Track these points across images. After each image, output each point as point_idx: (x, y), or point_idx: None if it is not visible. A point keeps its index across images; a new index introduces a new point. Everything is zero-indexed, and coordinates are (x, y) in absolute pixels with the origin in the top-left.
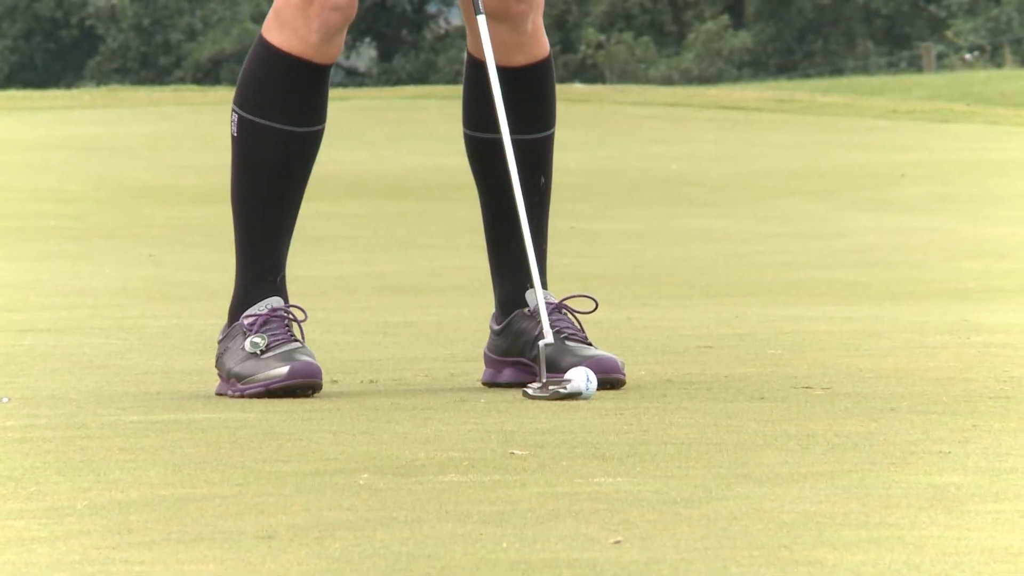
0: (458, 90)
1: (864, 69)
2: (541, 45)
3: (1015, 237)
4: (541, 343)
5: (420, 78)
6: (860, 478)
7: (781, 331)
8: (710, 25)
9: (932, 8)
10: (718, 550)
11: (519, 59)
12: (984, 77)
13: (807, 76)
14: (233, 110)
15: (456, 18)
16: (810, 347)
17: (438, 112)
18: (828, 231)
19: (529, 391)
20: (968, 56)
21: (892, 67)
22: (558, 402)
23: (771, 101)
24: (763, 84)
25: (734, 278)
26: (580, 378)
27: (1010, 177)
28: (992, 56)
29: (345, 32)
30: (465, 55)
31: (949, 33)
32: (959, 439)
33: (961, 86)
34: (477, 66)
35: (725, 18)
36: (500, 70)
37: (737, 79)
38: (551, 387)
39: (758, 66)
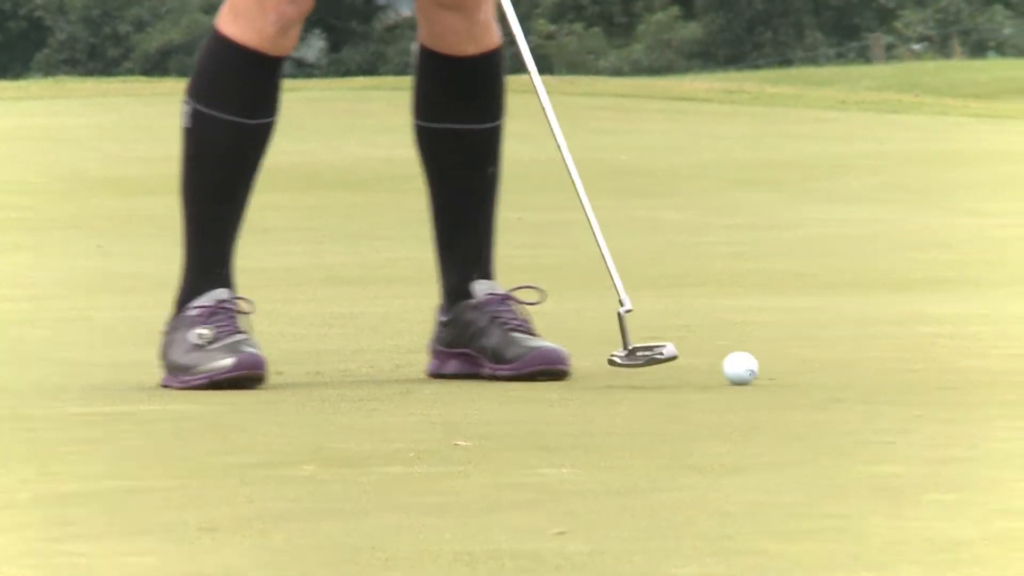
0: (407, 81)
1: (813, 60)
2: (492, 35)
3: (962, 228)
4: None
5: (369, 69)
6: (804, 469)
7: (728, 322)
8: (660, 16)
9: None
10: (662, 541)
11: (470, 48)
12: (933, 68)
13: (756, 67)
14: (185, 101)
15: (406, 9)
16: (757, 338)
17: (387, 103)
18: (776, 222)
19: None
20: (917, 47)
21: (841, 58)
22: (505, 393)
23: (720, 92)
24: (713, 75)
25: (682, 269)
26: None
27: (958, 168)
28: (941, 46)
29: (301, 24)
30: (414, 46)
31: (898, 24)
32: (903, 429)
33: (910, 77)
34: (428, 56)
35: (675, 9)
36: (451, 60)
37: (687, 70)
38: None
39: (708, 57)
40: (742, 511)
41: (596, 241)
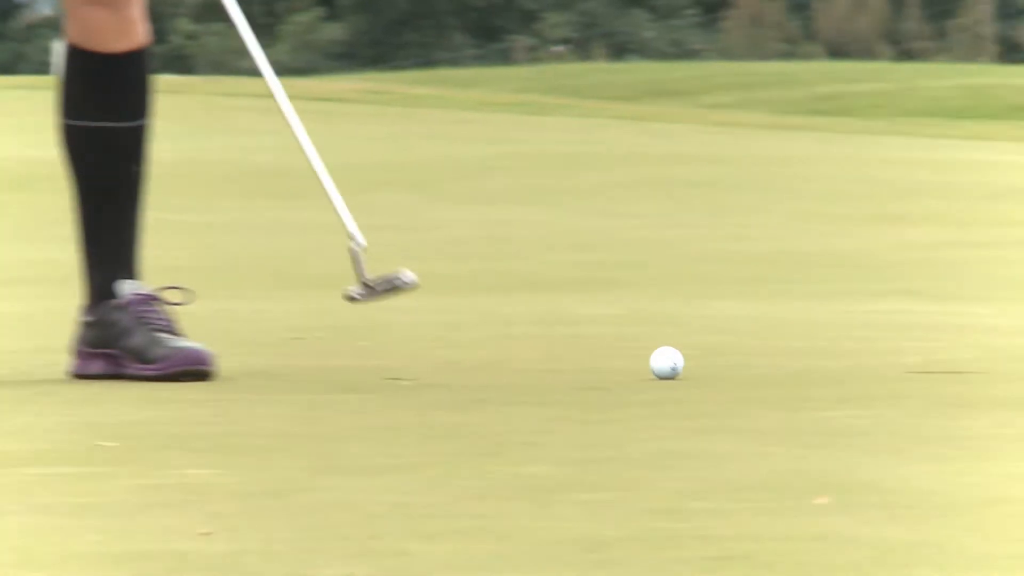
0: (48, 80)
1: (456, 61)
2: (142, 32)
3: (604, 229)
4: None
5: (8, 68)
6: (448, 469)
7: (371, 323)
8: (303, 17)
9: (524, 1)
10: (306, 541)
11: (119, 45)
12: (574, 70)
13: (400, 68)
14: None
15: (46, 7)
16: (400, 339)
17: (26, 103)
18: (419, 223)
19: None
20: (558, 49)
21: (483, 59)
22: (149, 394)
23: (364, 93)
24: (356, 76)
25: (324, 270)
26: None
27: (598, 169)
28: (582, 49)
29: None
30: (56, 44)
31: (540, 26)
32: (547, 430)
33: (551, 79)
34: (76, 54)
35: (319, 10)
36: (99, 57)
37: (330, 71)
38: None
39: (351, 58)
40: (386, 512)
41: (323, 185)
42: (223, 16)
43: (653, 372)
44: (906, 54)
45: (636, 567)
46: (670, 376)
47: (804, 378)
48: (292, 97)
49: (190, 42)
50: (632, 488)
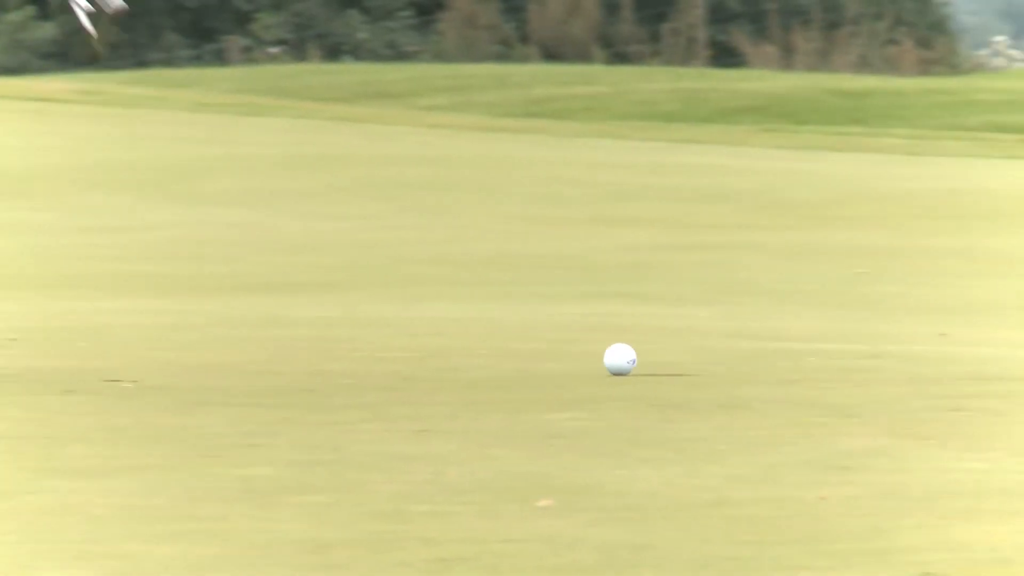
0: None
1: (170, 62)
2: None
3: (318, 231)
4: None
5: None
6: (170, 472)
7: (89, 324)
8: (14, 16)
9: (237, 2)
10: (26, 545)
11: None
12: (290, 71)
13: (114, 68)
14: None
15: None
16: (118, 340)
17: None
18: (135, 224)
19: None
20: (274, 50)
21: (198, 60)
22: None
23: (77, 93)
24: (69, 76)
25: (40, 271)
26: None
27: (313, 171)
28: (297, 50)
29: None
30: None
31: (255, 27)
32: (269, 431)
33: (267, 80)
34: None
35: (30, 9)
36: None
37: (43, 70)
38: None
39: (64, 57)
40: (108, 514)
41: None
42: None
43: (609, 369)
44: (620, 57)
45: (358, 569)
46: (627, 371)
47: (524, 380)
48: (4, 97)
49: None
50: (353, 490)
